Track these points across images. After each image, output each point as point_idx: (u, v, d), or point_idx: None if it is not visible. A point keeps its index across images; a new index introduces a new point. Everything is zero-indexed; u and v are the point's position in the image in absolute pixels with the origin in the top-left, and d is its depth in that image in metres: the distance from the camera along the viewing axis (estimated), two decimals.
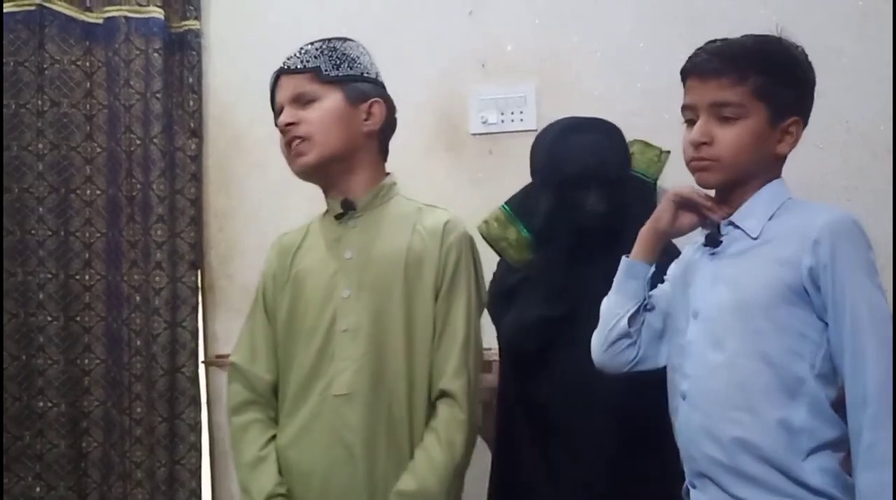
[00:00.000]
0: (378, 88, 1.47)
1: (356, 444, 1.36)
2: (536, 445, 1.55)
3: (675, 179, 1.92)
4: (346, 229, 1.43)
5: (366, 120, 1.43)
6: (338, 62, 1.43)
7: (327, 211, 1.49)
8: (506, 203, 1.62)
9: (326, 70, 1.41)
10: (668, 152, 1.70)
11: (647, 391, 1.47)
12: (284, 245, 1.50)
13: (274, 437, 1.42)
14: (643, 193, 1.65)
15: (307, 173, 1.43)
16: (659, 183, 1.73)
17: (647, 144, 1.67)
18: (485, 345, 1.49)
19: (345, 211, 1.43)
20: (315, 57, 1.42)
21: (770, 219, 1.21)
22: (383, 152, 1.49)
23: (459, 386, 1.37)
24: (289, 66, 1.43)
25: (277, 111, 1.44)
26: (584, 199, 1.55)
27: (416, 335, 1.39)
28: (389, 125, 1.48)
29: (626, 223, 1.56)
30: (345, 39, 1.47)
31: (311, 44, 1.44)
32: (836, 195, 1.81)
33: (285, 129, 1.41)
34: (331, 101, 1.41)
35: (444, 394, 1.38)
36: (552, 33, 2.10)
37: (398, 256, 1.40)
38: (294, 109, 1.40)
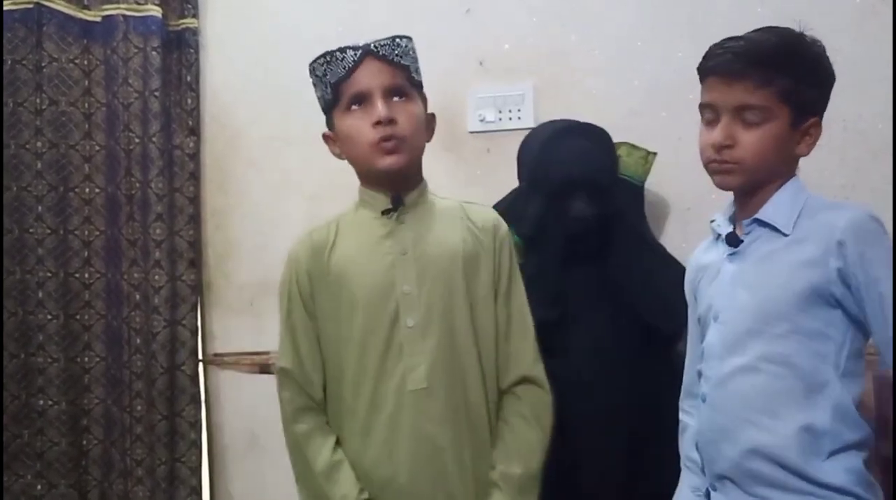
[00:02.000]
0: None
1: (442, 435, 1.35)
2: None
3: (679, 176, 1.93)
4: (396, 225, 1.41)
5: (426, 129, 1.45)
6: (417, 67, 1.42)
7: (358, 207, 1.45)
8: (494, 207, 1.62)
9: (414, 72, 1.40)
10: (655, 154, 1.68)
11: (648, 397, 1.47)
12: (316, 242, 1.44)
13: (336, 441, 1.39)
14: (632, 197, 1.64)
15: (393, 173, 1.38)
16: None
17: (633, 147, 1.66)
18: None
19: (394, 207, 1.41)
20: (407, 54, 1.39)
21: (798, 218, 1.19)
22: None
23: (540, 371, 1.43)
24: (383, 53, 1.36)
25: (357, 93, 1.36)
26: (572, 205, 1.58)
27: (480, 329, 1.40)
28: None
29: (616, 227, 1.56)
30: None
31: (400, 37, 1.39)
32: (835, 194, 1.80)
33: (385, 124, 1.34)
34: (416, 106, 1.40)
35: (526, 380, 1.42)
36: (550, 32, 2.09)
37: (455, 251, 1.40)
38: (387, 102, 1.35)
